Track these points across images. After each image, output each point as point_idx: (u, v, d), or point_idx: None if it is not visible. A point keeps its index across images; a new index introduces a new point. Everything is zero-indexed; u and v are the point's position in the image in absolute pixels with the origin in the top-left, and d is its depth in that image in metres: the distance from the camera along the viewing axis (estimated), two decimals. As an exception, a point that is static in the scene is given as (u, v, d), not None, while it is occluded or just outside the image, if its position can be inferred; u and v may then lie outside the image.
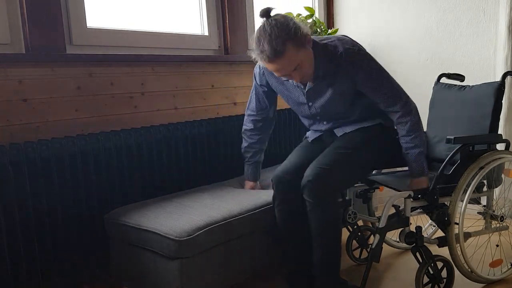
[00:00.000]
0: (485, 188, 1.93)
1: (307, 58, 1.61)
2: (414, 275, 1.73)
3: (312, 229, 1.65)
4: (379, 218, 1.71)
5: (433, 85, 2.22)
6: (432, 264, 1.73)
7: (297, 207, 1.72)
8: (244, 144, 2.04)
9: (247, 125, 2.02)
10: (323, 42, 1.68)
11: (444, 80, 2.20)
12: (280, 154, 2.63)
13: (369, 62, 1.68)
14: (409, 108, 1.73)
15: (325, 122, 1.86)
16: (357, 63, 1.65)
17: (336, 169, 1.64)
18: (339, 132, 1.82)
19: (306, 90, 1.75)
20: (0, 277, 1.55)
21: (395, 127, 1.80)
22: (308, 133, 1.98)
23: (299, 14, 2.83)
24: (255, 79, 1.92)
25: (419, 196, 1.76)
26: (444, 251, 1.78)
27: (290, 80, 1.76)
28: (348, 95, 1.74)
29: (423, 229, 1.84)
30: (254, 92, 1.96)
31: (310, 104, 1.78)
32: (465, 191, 1.75)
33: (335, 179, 1.64)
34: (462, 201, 1.75)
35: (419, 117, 1.76)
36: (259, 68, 1.88)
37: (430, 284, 1.75)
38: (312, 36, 1.67)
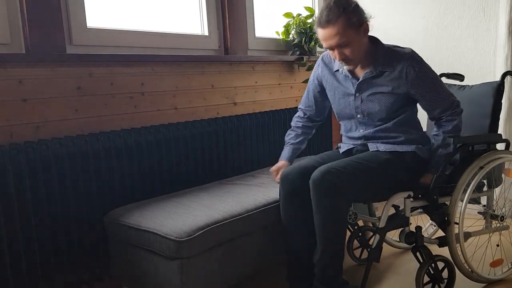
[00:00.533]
0: (485, 188, 1.93)
1: (355, 42, 1.68)
2: (414, 275, 1.73)
3: (316, 229, 1.64)
4: (379, 218, 1.71)
5: (433, 85, 2.21)
6: (433, 264, 1.73)
7: (301, 206, 1.71)
8: (289, 129, 2.11)
9: (297, 112, 2.12)
10: (388, 45, 1.79)
11: (443, 79, 2.19)
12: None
13: (429, 68, 1.75)
14: (460, 110, 1.78)
15: (361, 130, 1.85)
16: (419, 66, 1.71)
17: (348, 173, 1.61)
18: (372, 147, 1.82)
19: (359, 81, 1.79)
20: (0, 277, 1.55)
21: (436, 124, 1.82)
22: (340, 144, 1.98)
23: (299, 14, 2.83)
24: (312, 75, 2.02)
25: (419, 196, 1.76)
26: (445, 251, 1.78)
27: (341, 70, 1.83)
28: (397, 96, 1.75)
29: (423, 229, 1.84)
30: (307, 88, 2.06)
31: (357, 95, 1.81)
32: (465, 191, 1.75)
33: (344, 181, 1.60)
34: (462, 200, 1.75)
35: (461, 121, 1.80)
36: (317, 64, 1.98)
37: (431, 284, 1.75)
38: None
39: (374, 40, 1.78)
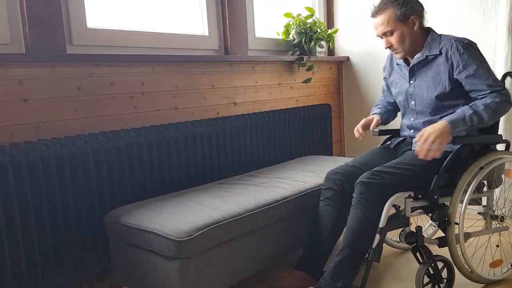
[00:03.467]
0: (485, 189, 1.93)
1: (401, 32, 1.81)
2: (414, 275, 1.73)
3: (347, 226, 1.68)
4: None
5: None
6: (433, 264, 1.73)
7: (339, 206, 1.80)
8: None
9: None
10: (442, 34, 1.87)
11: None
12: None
13: (476, 54, 1.76)
14: (501, 96, 1.72)
15: (412, 118, 1.92)
16: (463, 49, 1.76)
17: (394, 182, 1.69)
18: (414, 146, 1.85)
19: (410, 66, 1.89)
20: (0, 277, 1.55)
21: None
22: (392, 139, 2.05)
23: (299, 14, 2.83)
24: (383, 72, 2.14)
25: (420, 196, 1.76)
26: (445, 251, 1.78)
27: (398, 61, 1.95)
28: (444, 82, 1.79)
29: (423, 229, 1.84)
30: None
31: (411, 82, 1.90)
32: (465, 192, 1.75)
33: (388, 189, 1.68)
34: (462, 201, 1.75)
35: (504, 108, 1.74)
36: (386, 57, 2.10)
37: (431, 284, 1.75)
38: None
39: (428, 30, 1.87)
